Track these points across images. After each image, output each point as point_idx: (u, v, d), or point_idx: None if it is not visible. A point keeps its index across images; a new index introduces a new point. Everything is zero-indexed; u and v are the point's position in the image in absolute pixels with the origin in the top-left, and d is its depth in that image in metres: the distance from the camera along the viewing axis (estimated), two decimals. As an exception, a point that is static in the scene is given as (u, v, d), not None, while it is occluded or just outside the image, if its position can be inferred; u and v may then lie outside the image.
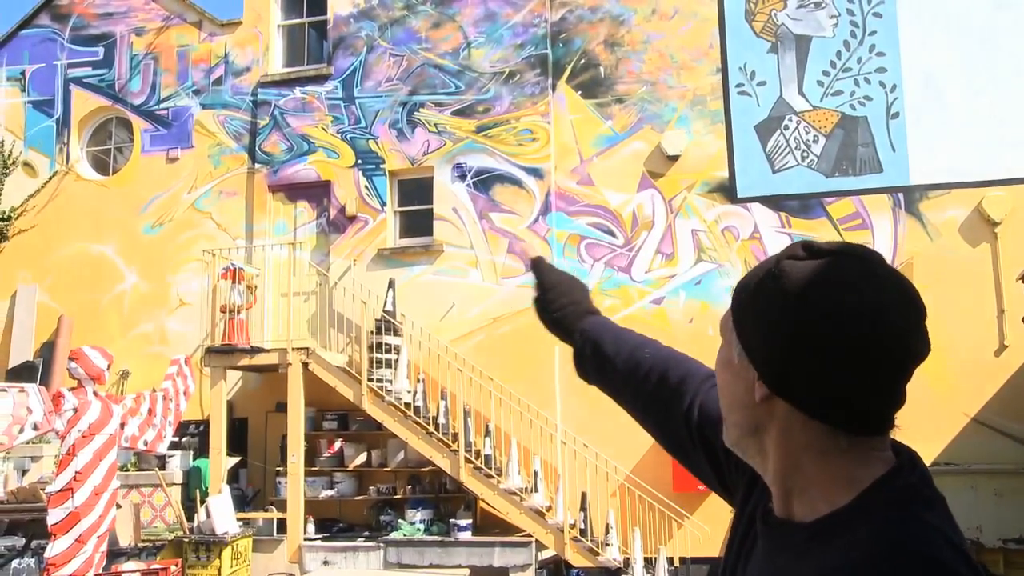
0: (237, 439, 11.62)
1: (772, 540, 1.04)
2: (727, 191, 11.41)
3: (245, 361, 11.01)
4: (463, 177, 12.03)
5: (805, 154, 11.28)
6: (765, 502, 1.08)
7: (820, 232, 11.06)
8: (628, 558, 10.20)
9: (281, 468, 11.15)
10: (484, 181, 12.00)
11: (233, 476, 11.35)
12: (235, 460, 11.29)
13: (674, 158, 11.52)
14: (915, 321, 0.96)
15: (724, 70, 11.62)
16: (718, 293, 11.20)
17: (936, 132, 10.87)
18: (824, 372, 0.95)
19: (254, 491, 11.72)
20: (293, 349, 10.82)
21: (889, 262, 1.05)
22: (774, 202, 11.29)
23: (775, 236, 11.22)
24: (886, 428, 0.97)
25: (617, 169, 11.72)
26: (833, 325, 0.94)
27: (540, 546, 10.12)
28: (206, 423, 11.40)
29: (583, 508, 10.35)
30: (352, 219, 12.26)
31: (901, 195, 10.88)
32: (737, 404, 1.05)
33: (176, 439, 11.31)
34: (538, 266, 1.67)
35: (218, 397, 10.92)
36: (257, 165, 12.77)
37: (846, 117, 11.20)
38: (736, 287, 1.08)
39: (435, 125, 12.28)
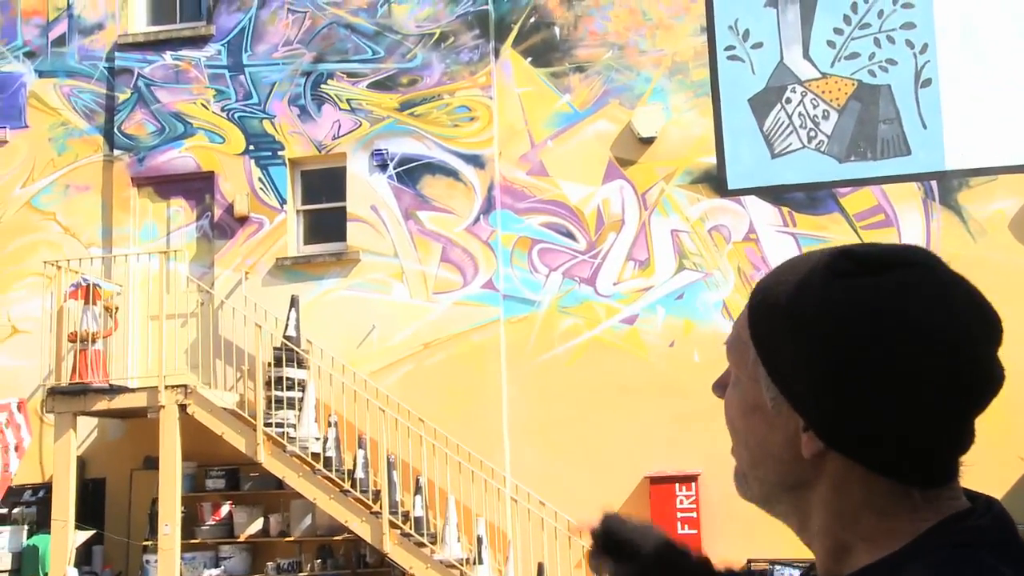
0: (91, 507, 11.45)
1: None
2: (715, 182, 11.49)
3: (102, 404, 10.89)
4: (384, 167, 12.01)
5: (812, 133, 11.37)
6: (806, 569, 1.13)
7: (832, 231, 11.14)
8: (597, 646, 10.11)
9: (150, 542, 11.01)
10: (410, 172, 12.01)
11: (85, 556, 11.16)
12: (88, 534, 11.11)
13: (648, 141, 11.59)
14: (994, 342, 1.01)
15: (710, 29, 11.72)
16: (705, 309, 11.24)
17: (978, 103, 11.02)
18: (898, 418, 0.97)
19: (113, 574, 11.55)
20: (167, 387, 10.75)
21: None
22: (774, 194, 11.37)
23: (775, 237, 11.29)
24: (956, 473, 1.02)
25: (577, 156, 11.78)
26: (909, 359, 0.96)
27: None
28: (48, 487, 11.20)
29: (540, 583, 10.32)
30: (243, 220, 12.22)
31: (934, 183, 11.01)
32: (769, 458, 1.06)
33: (4, 510, 11.12)
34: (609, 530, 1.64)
35: (65, 452, 10.74)
36: (117, 152, 12.66)
37: (864, 86, 11.32)
38: (756, 306, 1.06)
39: (347, 101, 12.28)
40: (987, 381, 0.99)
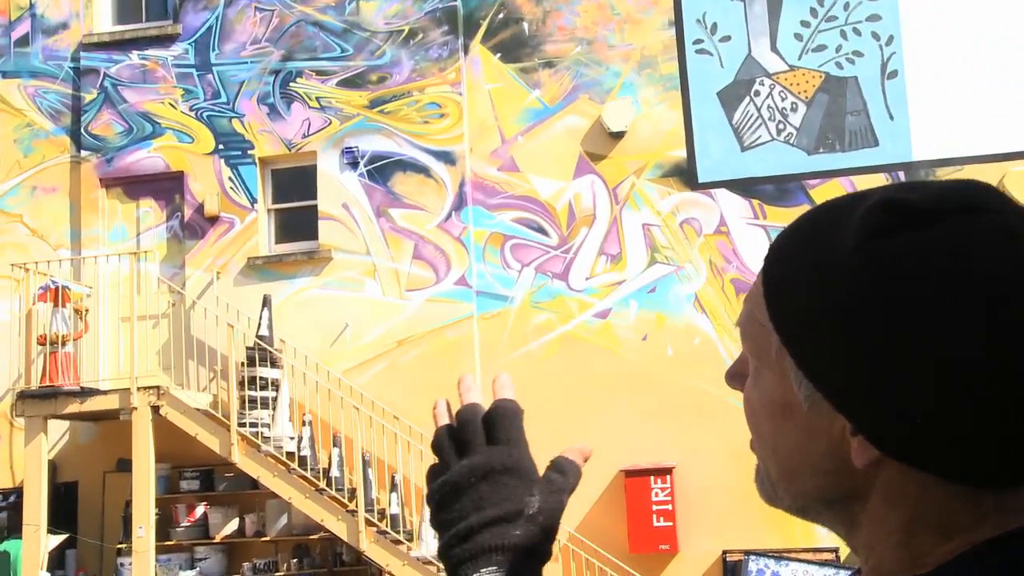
0: (63, 510, 11.37)
1: None
2: (685, 175, 11.53)
3: (74, 407, 10.81)
4: (354, 165, 11.98)
5: (781, 126, 11.42)
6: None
7: (802, 222, 11.13)
8: (574, 639, 10.20)
9: (124, 545, 10.95)
10: (381, 169, 11.98)
11: (58, 560, 11.10)
12: (61, 538, 11.03)
13: (618, 135, 11.61)
14: None
15: (678, 23, 11.76)
16: (677, 302, 11.27)
17: (944, 94, 11.09)
18: (976, 413, 0.77)
19: None
20: (139, 389, 10.70)
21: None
22: (744, 187, 11.43)
23: (746, 229, 11.34)
24: None
25: (548, 151, 11.79)
26: (977, 338, 0.76)
27: None
28: (18, 491, 11.16)
29: (517, 578, 10.24)
30: (213, 220, 12.17)
31: (902, 173, 11.09)
32: (807, 469, 0.86)
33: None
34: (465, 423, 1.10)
35: (36, 456, 10.67)
36: (84, 152, 12.57)
37: (831, 78, 11.39)
38: (774, 280, 0.85)
39: (317, 99, 12.24)
40: None
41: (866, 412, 0.79)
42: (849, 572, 9.78)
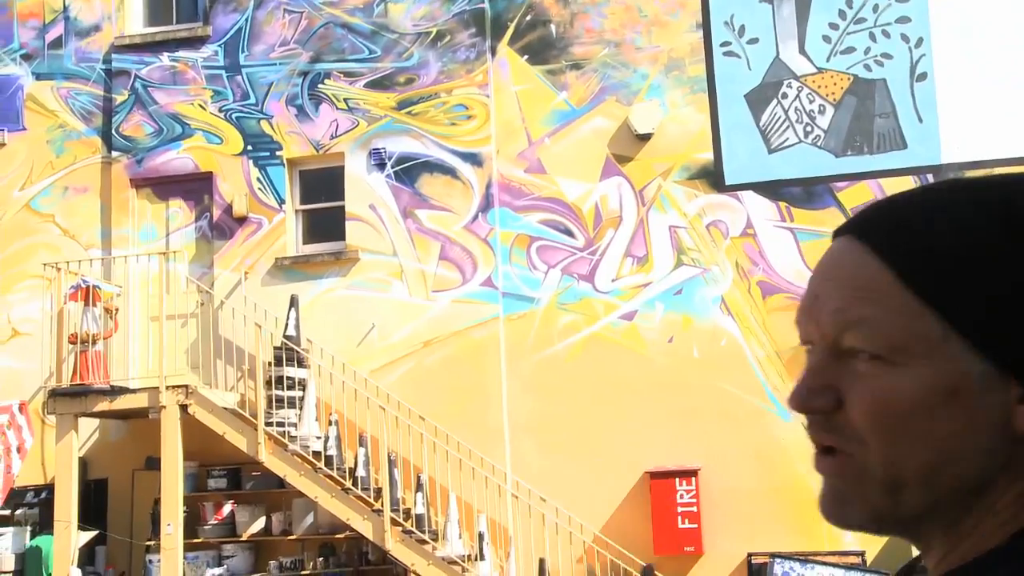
0: (93, 507, 11.41)
1: None
2: (712, 177, 11.48)
3: (104, 405, 10.86)
4: (382, 166, 11.99)
5: (809, 128, 11.36)
6: None
7: (829, 225, 11.09)
8: (599, 641, 10.19)
9: (153, 542, 11.00)
10: (408, 171, 11.98)
11: (88, 556, 11.11)
12: (91, 535, 11.08)
13: (645, 137, 11.57)
14: None
15: (706, 25, 11.71)
16: (703, 305, 11.22)
17: (974, 96, 11.00)
18: None
19: (116, 574, 11.51)
20: (168, 388, 10.74)
21: None
22: (771, 189, 11.37)
23: (773, 232, 11.29)
24: None
25: (575, 153, 11.77)
26: None
27: None
28: (50, 488, 11.18)
29: (541, 579, 10.35)
30: (242, 221, 12.20)
31: (930, 176, 10.98)
32: (967, 450, 0.83)
33: (6, 512, 11.10)
34: None
35: (67, 453, 10.72)
36: (115, 153, 12.62)
37: (860, 81, 11.31)
38: (915, 255, 0.84)
39: (345, 101, 12.26)
40: None
41: None
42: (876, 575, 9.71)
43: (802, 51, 11.53)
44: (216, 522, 11.24)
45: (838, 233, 0.90)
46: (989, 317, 0.81)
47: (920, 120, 11.16)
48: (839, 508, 0.87)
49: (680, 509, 10.63)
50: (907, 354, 0.82)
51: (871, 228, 0.86)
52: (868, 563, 10.14)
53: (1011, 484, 0.84)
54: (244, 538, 11.23)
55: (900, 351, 0.83)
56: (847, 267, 0.86)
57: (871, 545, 10.11)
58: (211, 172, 12.35)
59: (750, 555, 10.58)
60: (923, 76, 11.20)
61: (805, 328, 0.89)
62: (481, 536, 10.49)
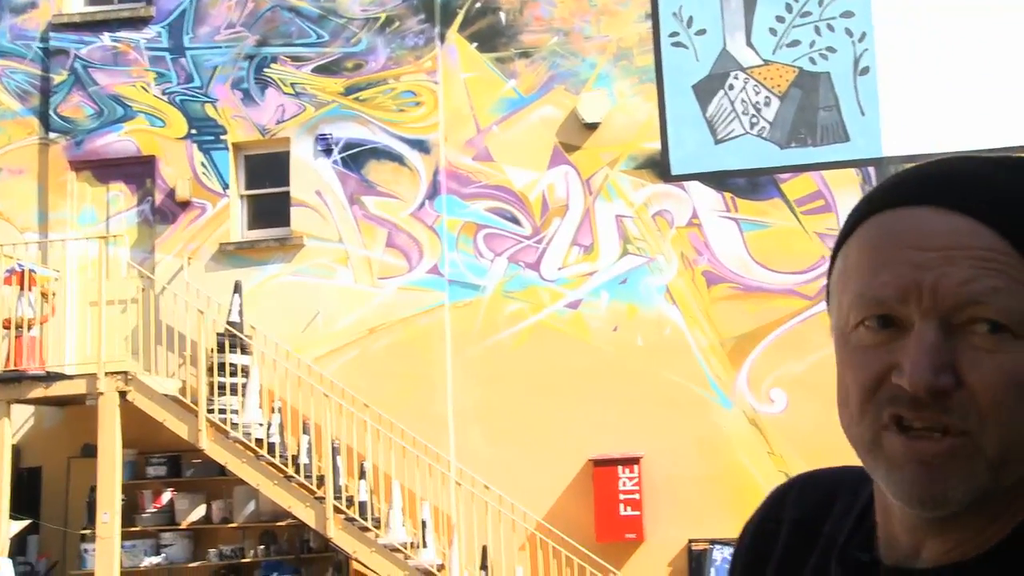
0: (26, 496, 11.19)
1: None
2: (659, 167, 11.44)
3: (38, 392, 10.65)
4: (328, 152, 11.83)
5: (754, 120, 11.34)
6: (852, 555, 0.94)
7: (773, 216, 11.16)
8: (541, 628, 10.15)
9: (88, 531, 10.79)
10: (355, 157, 11.84)
11: (19, 546, 10.97)
12: (23, 524, 10.87)
13: (593, 127, 11.51)
14: None
15: (655, 16, 11.67)
16: (648, 293, 11.19)
17: (915, 91, 11.04)
18: None
19: (49, 564, 11.35)
20: (106, 374, 10.51)
21: None
22: (717, 180, 11.35)
23: (718, 222, 11.28)
24: None
25: (522, 141, 11.67)
26: None
27: None
28: (-18, 475, 10.98)
29: (484, 566, 10.34)
30: (185, 205, 11.97)
31: (872, 169, 11.04)
32: None
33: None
34: None
35: (-1, 440, 10.52)
36: (53, 135, 12.33)
37: (804, 73, 11.31)
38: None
39: (291, 85, 12.07)
40: None
41: None
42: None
43: (749, 43, 11.50)
44: (155, 510, 11.07)
45: (900, 202, 0.86)
46: None
47: (862, 113, 11.19)
48: (941, 489, 0.83)
49: (622, 496, 10.59)
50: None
51: (967, 197, 0.83)
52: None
53: None
54: (183, 526, 11.05)
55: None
56: (955, 236, 0.82)
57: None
58: (153, 155, 12.08)
59: (690, 542, 10.56)
60: (866, 70, 11.23)
61: (898, 305, 0.83)
62: (424, 524, 10.43)
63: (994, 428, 0.81)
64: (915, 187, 0.86)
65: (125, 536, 10.58)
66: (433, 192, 11.66)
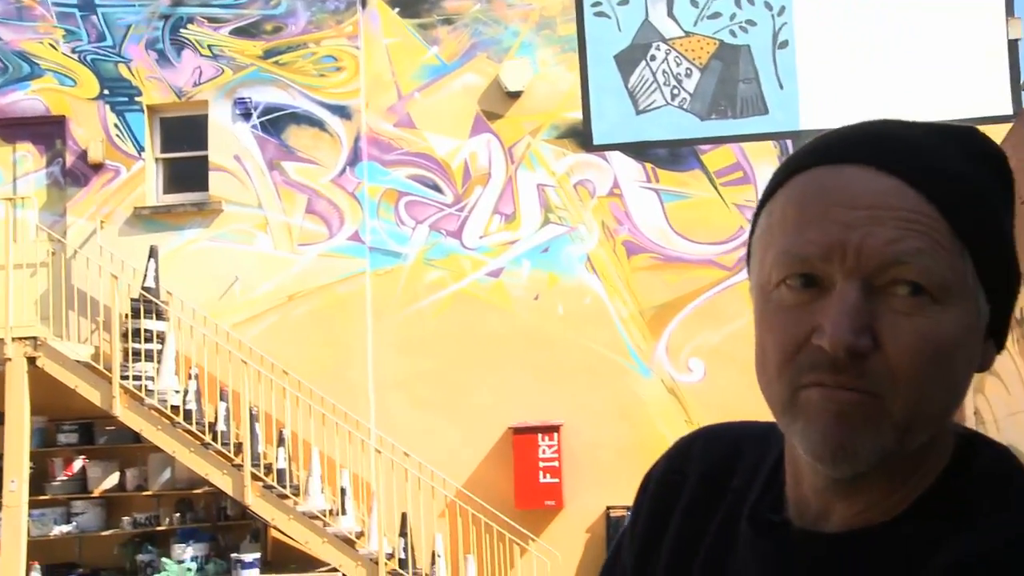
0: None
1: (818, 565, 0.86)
2: (581, 137, 11.38)
3: (-58, 357, 10.26)
4: (247, 116, 11.55)
5: (676, 91, 11.34)
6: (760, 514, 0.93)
7: (693, 187, 11.15)
8: (460, 594, 10.17)
9: (-5, 499, 10.44)
10: (275, 121, 11.59)
11: None
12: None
13: (515, 95, 11.40)
14: None
15: (578, -15, 11.51)
16: (570, 262, 11.15)
17: (833, 65, 11.13)
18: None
19: None
20: (14, 340, 10.17)
21: None
22: (638, 150, 11.33)
23: (639, 192, 11.26)
24: None
25: (445, 108, 11.53)
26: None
27: None
28: None
29: (404, 533, 10.25)
30: (98, 168, 11.61)
31: (790, 142, 11.13)
32: (965, 387, 0.85)
33: None
34: None
35: (-100, 407, 10.14)
36: (-46, 91, 11.83)
37: (725, 46, 11.33)
38: (954, 196, 0.81)
39: (209, 47, 11.75)
40: None
41: (1008, 311, 0.84)
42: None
43: (670, 14, 11.48)
44: (66, 478, 10.79)
45: (829, 160, 0.84)
46: (992, 259, 0.82)
47: (781, 87, 11.26)
48: (850, 445, 0.81)
49: (542, 464, 10.59)
50: (949, 291, 0.80)
51: (897, 159, 0.82)
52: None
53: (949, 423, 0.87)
54: (96, 494, 10.80)
55: (945, 288, 0.80)
56: (882, 196, 0.80)
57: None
58: (64, 116, 11.64)
59: (608, 509, 10.61)
60: (784, 44, 11.29)
61: (821, 263, 0.81)
62: (343, 491, 10.34)
63: (904, 392, 0.80)
64: (845, 146, 0.84)
65: (34, 504, 10.32)
66: (354, 158, 11.47)
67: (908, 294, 0.79)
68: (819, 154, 0.85)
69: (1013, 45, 10.97)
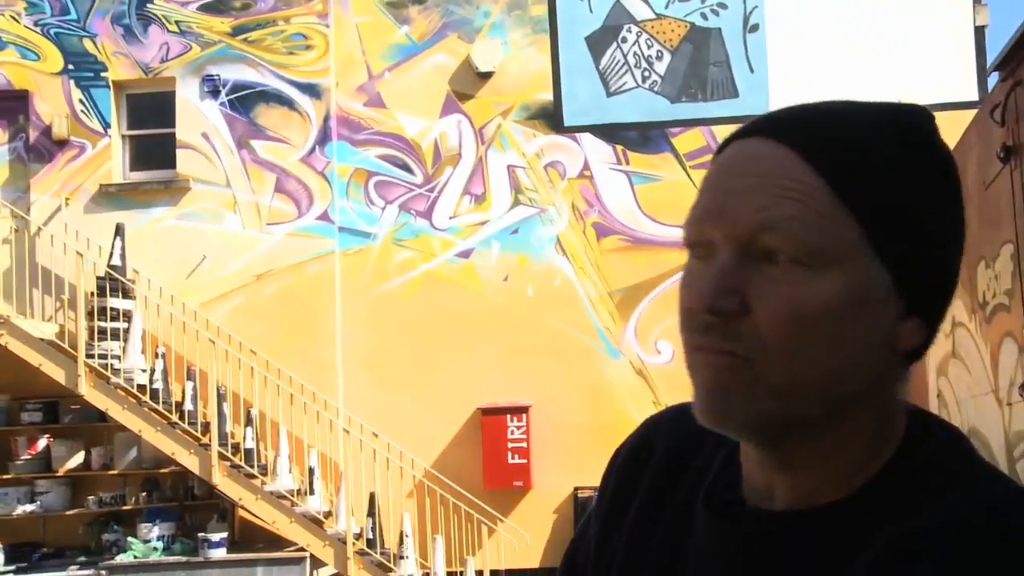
0: None
1: (768, 543, 0.87)
2: (551, 118, 11.36)
3: (-96, 335, 10.12)
4: (215, 93, 11.43)
5: (647, 73, 11.32)
6: (716, 494, 0.94)
7: (663, 170, 11.18)
8: (428, 573, 10.20)
9: (-44, 478, 10.41)
10: (244, 99, 11.47)
11: None
12: None
13: (486, 76, 11.36)
14: None
15: (549, -34, 11.46)
16: (539, 244, 11.15)
17: (802, 50, 11.15)
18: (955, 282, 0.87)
19: None
20: (-22, 318, 10.06)
21: None
22: (608, 132, 11.32)
23: (609, 174, 11.26)
24: None
25: (415, 88, 11.46)
26: (961, 217, 0.87)
27: (317, 562, 9.97)
28: None
29: (372, 513, 10.25)
30: (62, 144, 11.46)
31: (758, 127, 11.07)
32: (860, 361, 0.83)
33: None
34: None
35: None
36: (-84, 66, 11.60)
37: (696, 29, 11.32)
38: (853, 170, 0.82)
39: (176, 23, 11.60)
40: None
41: (931, 293, 0.83)
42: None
43: (642, -4, 11.46)
44: (29, 457, 10.67)
45: (743, 135, 0.87)
46: (895, 230, 0.81)
47: (751, 70, 11.28)
48: (724, 405, 0.83)
49: (510, 445, 10.61)
50: (824, 259, 0.81)
51: (789, 129, 0.83)
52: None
53: (874, 400, 0.85)
54: (60, 474, 10.69)
55: (818, 255, 0.80)
56: (768, 165, 0.82)
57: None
58: (27, 90, 11.45)
59: (576, 489, 10.65)
60: (755, 27, 11.30)
61: (707, 228, 0.84)
62: (311, 471, 10.29)
63: (776, 357, 0.81)
64: (759, 120, 0.87)
65: (-3, 484, 10.23)
66: (323, 138, 11.38)
67: (784, 260, 0.80)
68: (741, 129, 0.88)
69: (980, 31, 11.05)
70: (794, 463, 0.86)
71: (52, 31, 11.55)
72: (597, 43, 11.43)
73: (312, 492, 10.21)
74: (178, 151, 11.40)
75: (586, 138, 11.32)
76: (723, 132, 11.07)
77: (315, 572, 9.95)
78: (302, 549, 9.87)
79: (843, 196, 0.80)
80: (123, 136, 11.66)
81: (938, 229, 0.83)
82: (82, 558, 10.16)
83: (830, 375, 0.82)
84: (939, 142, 0.86)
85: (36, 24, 11.54)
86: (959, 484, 0.83)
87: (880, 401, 0.86)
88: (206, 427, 10.22)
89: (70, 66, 11.51)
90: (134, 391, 10.19)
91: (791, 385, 0.81)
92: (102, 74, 11.51)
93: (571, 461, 10.62)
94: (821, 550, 0.83)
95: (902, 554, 0.78)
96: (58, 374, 10.12)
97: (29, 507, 10.55)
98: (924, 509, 0.81)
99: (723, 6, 11.34)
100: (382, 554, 10.10)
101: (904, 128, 0.84)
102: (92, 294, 10.50)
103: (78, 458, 10.76)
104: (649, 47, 11.37)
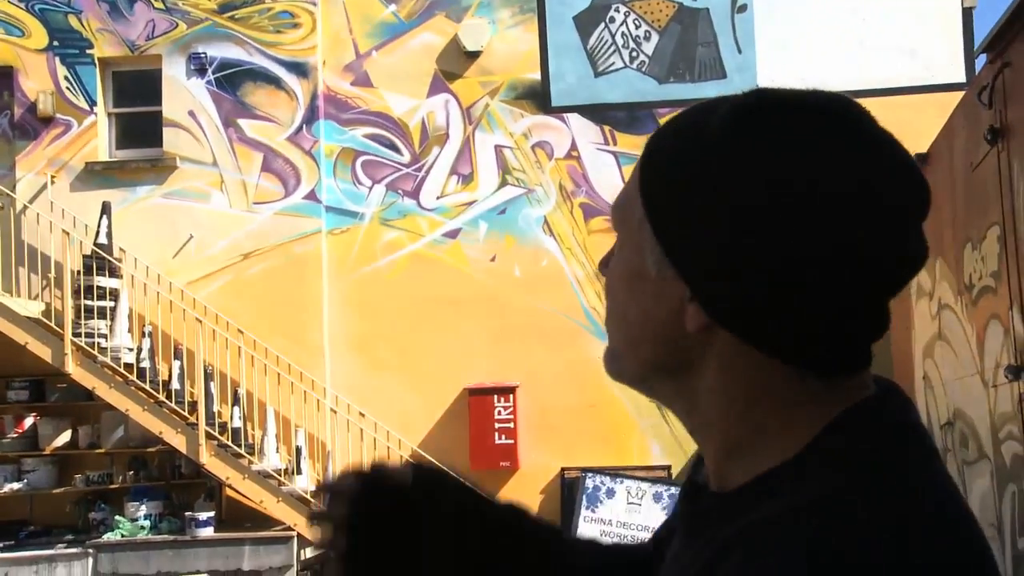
0: None
1: (694, 522, 0.92)
2: (539, 98, 11.33)
3: None
4: (202, 71, 11.35)
5: (635, 54, 11.28)
6: (690, 476, 0.98)
7: (650, 151, 11.08)
8: (414, 552, 10.11)
9: (-56, 457, 10.37)
10: (230, 77, 11.39)
11: None
12: None
13: (474, 55, 11.31)
14: (920, 213, 0.85)
15: (538, -55, 11.39)
16: (527, 224, 11.14)
17: (790, 31, 11.12)
18: (798, 294, 0.81)
19: None
20: (-37, 296, 10.02)
21: None
22: (596, 113, 11.29)
23: (596, 155, 11.25)
24: (867, 361, 0.87)
25: (403, 67, 11.42)
26: (816, 226, 0.80)
27: (304, 542, 9.88)
28: None
29: (358, 493, 10.10)
30: (48, 121, 11.39)
31: (747, 108, 11.05)
32: (649, 332, 0.89)
33: None
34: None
35: None
36: (-102, 42, 11.48)
37: (684, 9, 11.29)
38: (650, 156, 0.88)
39: (163, 0, 11.51)
40: (907, 257, 0.84)
41: (700, 280, 0.83)
42: (679, 489, 9.94)
43: (631, -24, 11.40)
44: (16, 435, 10.66)
45: None
46: (668, 213, 0.85)
47: (739, 51, 11.25)
48: (606, 365, 0.96)
49: (498, 425, 10.61)
50: (625, 236, 0.91)
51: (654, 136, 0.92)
52: (674, 476, 10.36)
53: (709, 382, 0.86)
54: (47, 452, 10.69)
55: (624, 232, 0.91)
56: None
57: (677, 459, 10.33)
58: (12, 67, 11.37)
59: (563, 470, 10.67)
60: (743, 8, 11.26)
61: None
62: (299, 450, 10.30)
63: (609, 317, 0.94)
64: None
65: (-16, 462, 10.22)
66: (311, 116, 11.32)
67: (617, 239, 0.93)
68: None
69: (968, 13, 11.03)
70: (698, 437, 0.92)
71: (37, 7, 11.44)
72: (585, 23, 11.38)
73: (299, 472, 10.21)
74: (164, 129, 11.34)
75: (574, 118, 11.29)
76: (711, 113, 11.13)
77: (302, 551, 9.92)
78: (289, 528, 9.87)
79: (641, 180, 0.88)
80: (109, 114, 11.58)
81: (737, 223, 0.80)
82: (69, 536, 10.16)
83: (629, 342, 0.91)
84: (780, 142, 0.82)
85: (20, 0, 11.43)
86: (837, 467, 0.80)
87: (716, 385, 0.86)
88: (193, 406, 10.22)
89: (55, 43, 11.42)
90: (121, 370, 10.18)
91: (614, 347, 0.93)
92: (87, 51, 11.42)
93: (558, 441, 10.64)
94: (711, 534, 0.86)
95: (725, 547, 0.81)
96: (44, 352, 10.09)
97: (16, 485, 10.55)
98: (772, 504, 0.80)
99: (711, -14, 11.29)
100: (369, 533, 10.11)
101: (736, 125, 0.84)
102: (78, 272, 10.47)
103: (65, 436, 10.76)
104: (637, 27, 11.33)
